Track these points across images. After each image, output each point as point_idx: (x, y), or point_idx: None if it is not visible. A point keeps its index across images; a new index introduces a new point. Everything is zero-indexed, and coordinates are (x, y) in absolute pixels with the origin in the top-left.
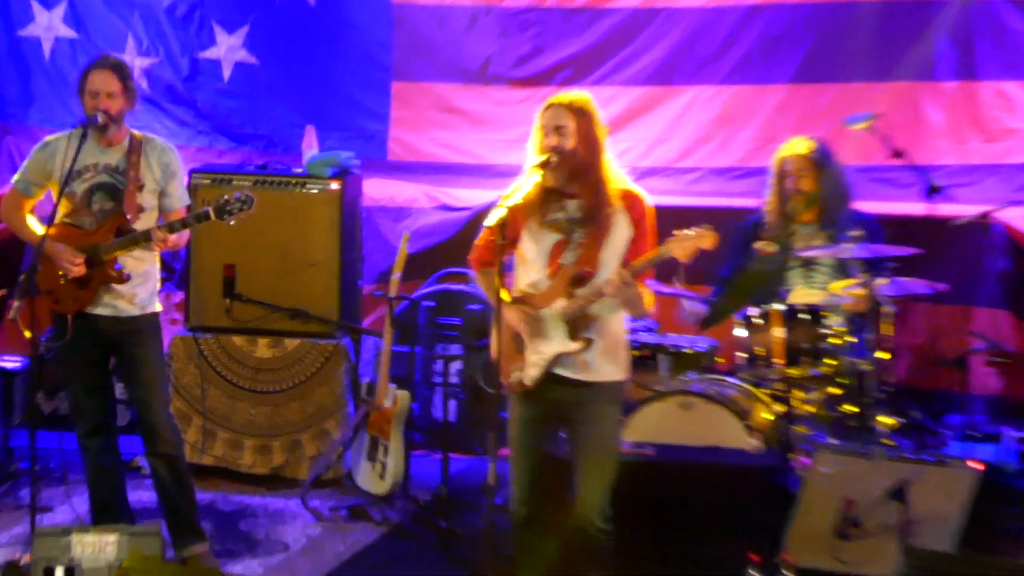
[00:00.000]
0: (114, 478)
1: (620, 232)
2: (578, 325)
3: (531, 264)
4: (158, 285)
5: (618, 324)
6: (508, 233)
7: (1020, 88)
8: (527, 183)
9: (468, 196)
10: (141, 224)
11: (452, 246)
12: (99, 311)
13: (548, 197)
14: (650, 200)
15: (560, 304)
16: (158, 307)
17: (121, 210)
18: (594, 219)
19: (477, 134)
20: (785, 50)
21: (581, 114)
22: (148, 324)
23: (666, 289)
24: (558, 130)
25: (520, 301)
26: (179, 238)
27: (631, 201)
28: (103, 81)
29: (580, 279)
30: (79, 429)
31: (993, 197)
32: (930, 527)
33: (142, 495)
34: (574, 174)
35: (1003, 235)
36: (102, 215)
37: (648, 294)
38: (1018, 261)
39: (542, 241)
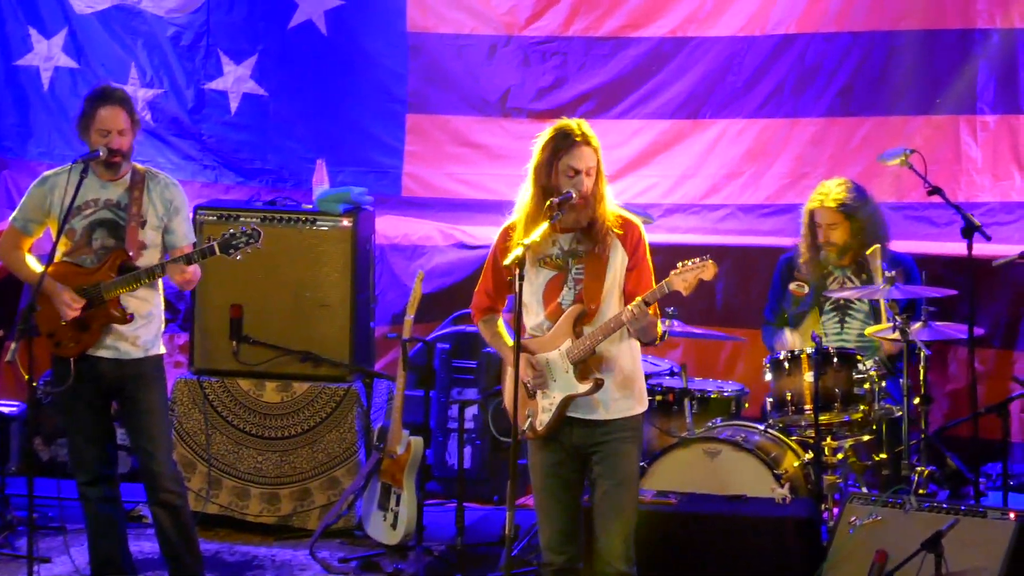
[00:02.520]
0: (115, 529)
1: (618, 262)
2: (587, 365)
3: (527, 307)
4: (162, 327)
5: (628, 358)
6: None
7: None
8: (544, 223)
9: (485, 234)
10: (144, 262)
11: (468, 286)
12: (101, 353)
13: (545, 234)
14: (640, 225)
15: (566, 345)
16: (162, 349)
17: (123, 247)
18: (593, 252)
19: (495, 169)
20: (820, 81)
21: (593, 147)
22: (152, 367)
23: (698, 331)
24: (589, 172)
25: (525, 345)
26: (195, 272)
27: (626, 228)
28: (114, 119)
29: (584, 317)
30: (79, 478)
31: None
32: None
33: (144, 545)
34: (585, 214)
35: None
36: (103, 252)
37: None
38: None
39: (535, 280)
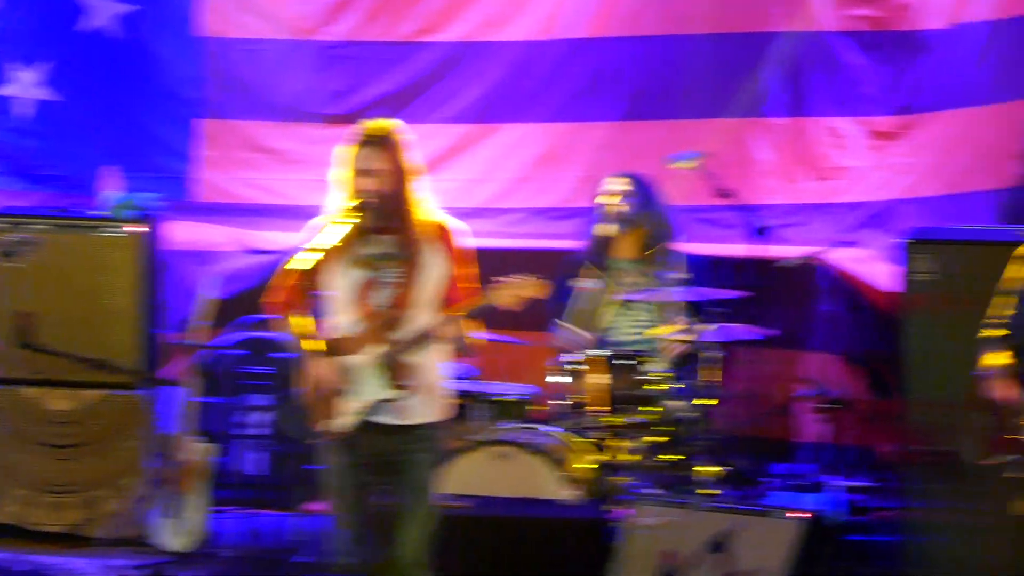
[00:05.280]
0: None
1: (434, 269)
2: (396, 371)
3: (340, 304)
4: None
5: (435, 366)
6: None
7: (852, 124)
8: (344, 226)
9: (278, 239)
10: None
11: (261, 291)
12: None
13: (358, 235)
14: (460, 230)
15: (376, 350)
16: None
17: None
18: (407, 256)
19: (288, 174)
20: (611, 86)
21: (389, 146)
22: None
23: (488, 335)
24: (370, 174)
25: (333, 346)
26: None
27: (442, 234)
28: None
29: (394, 322)
30: None
31: (824, 237)
32: None
33: None
34: (389, 214)
35: (833, 277)
36: None
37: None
38: (848, 304)
39: (350, 278)
